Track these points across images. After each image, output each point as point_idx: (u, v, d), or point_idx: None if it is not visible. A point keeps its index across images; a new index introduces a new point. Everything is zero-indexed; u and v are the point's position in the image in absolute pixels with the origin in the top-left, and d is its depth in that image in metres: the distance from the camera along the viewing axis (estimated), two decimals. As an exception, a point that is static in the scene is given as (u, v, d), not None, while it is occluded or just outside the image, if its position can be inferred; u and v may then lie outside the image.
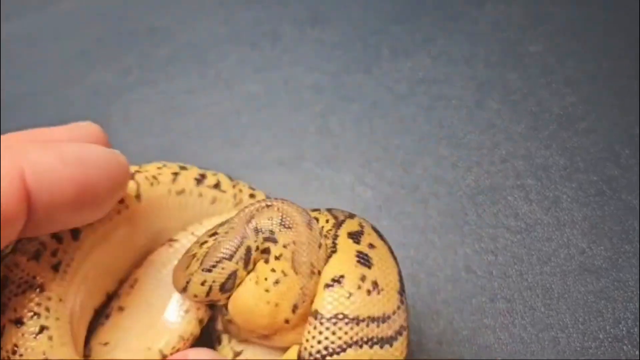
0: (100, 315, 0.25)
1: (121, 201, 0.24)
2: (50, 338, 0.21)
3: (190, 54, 0.39)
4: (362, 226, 0.23)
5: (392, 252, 0.23)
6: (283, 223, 0.22)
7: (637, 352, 0.29)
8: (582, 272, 0.31)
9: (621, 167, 0.33)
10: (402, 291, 0.22)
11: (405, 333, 0.21)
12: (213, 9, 0.41)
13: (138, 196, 0.24)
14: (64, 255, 0.22)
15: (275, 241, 0.22)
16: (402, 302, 0.21)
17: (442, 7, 0.40)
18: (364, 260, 0.21)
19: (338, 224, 0.23)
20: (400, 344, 0.20)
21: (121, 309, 0.25)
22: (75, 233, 0.23)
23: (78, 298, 0.23)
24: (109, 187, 0.21)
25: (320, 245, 0.22)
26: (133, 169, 0.25)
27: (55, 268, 0.22)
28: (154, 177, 0.25)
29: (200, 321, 0.24)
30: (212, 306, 0.25)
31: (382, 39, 0.39)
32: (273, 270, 0.22)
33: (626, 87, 0.36)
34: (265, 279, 0.22)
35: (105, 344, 0.24)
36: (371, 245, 0.22)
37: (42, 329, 0.21)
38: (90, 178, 0.20)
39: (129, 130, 0.37)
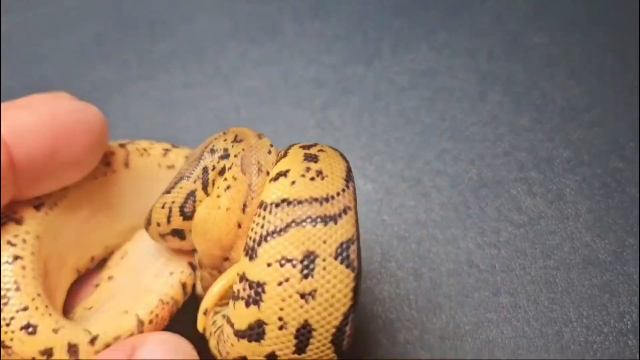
0: (89, 286, 0.25)
1: (108, 164, 0.24)
2: (23, 268, 0.21)
3: (189, 49, 0.39)
4: (316, 143, 0.23)
5: (344, 158, 0.23)
6: (235, 139, 0.23)
7: (643, 347, 0.28)
8: (586, 266, 0.30)
9: (625, 160, 0.33)
10: (348, 179, 0.21)
11: (350, 212, 0.20)
12: (212, 3, 0.41)
13: (126, 164, 0.25)
14: (47, 198, 0.22)
15: (228, 156, 0.23)
16: (347, 187, 0.21)
17: (443, 1, 0.40)
18: (310, 158, 0.22)
19: (294, 144, 0.23)
20: (345, 222, 0.20)
21: (110, 278, 0.25)
22: None
23: (57, 245, 0.23)
24: (86, 134, 0.21)
25: (269, 152, 0.23)
26: (124, 141, 0.25)
27: (37, 207, 0.22)
28: (145, 150, 0.25)
29: (184, 285, 0.24)
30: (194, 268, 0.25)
31: (383, 32, 0.39)
32: (225, 179, 0.22)
33: (631, 79, 0.36)
34: (218, 188, 0.22)
35: (90, 308, 0.24)
36: (321, 150, 0.23)
37: (16, 258, 0.21)
38: (65, 125, 0.21)
39: (128, 125, 0.37)
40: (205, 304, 0.22)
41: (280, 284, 0.19)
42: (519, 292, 0.30)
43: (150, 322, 0.23)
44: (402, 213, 0.32)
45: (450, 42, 0.38)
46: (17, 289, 0.21)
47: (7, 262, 0.21)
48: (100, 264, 0.26)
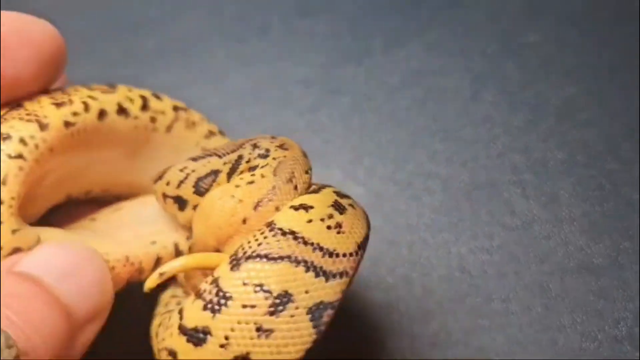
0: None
1: (153, 120, 0.24)
2: (20, 168, 0.20)
3: (175, 48, 0.38)
4: (350, 196, 0.23)
5: (368, 223, 0.22)
6: (281, 146, 0.23)
7: (638, 354, 0.28)
8: (580, 271, 0.30)
9: (622, 162, 0.32)
10: (361, 247, 0.21)
11: (345, 279, 0.20)
12: (199, 1, 0.40)
13: (170, 128, 0.24)
14: (83, 123, 0.22)
15: (267, 157, 0.22)
16: (356, 253, 0.20)
17: (436, -4, 0.39)
18: (338, 207, 0.21)
19: (330, 186, 0.23)
20: (336, 285, 0.19)
21: (93, 219, 0.24)
22: (102, 114, 0.23)
23: (65, 165, 0.23)
24: (25, 46, 0.20)
25: (307, 172, 0.22)
26: (181, 105, 0.25)
27: (67, 125, 0.22)
28: (193, 123, 0.25)
29: (158, 260, 0.24)
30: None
31: (374, 30, 0.38)
32: (253, 174, 0.22)
33: (628, 78, 0.35)
34: (241, 179, 0.22)
35: (59, 230, 0.23)
36: (351, 205, 0.22)
37: (20, 156, 0.20)
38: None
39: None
40: (166, 268, 0.22)
41: (244, 306, 0.19)
42: (511, 298, 0.29)
43: None
44: (392, 217, 0.32)
45: (442, 40, 0.37)
46: (4, 183, 0.20)
47: (9, 154, 0.20)
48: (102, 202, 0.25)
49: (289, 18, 0.39)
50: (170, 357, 0.20)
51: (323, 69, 0.37)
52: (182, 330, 0.20)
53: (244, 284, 0.19)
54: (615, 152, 0.33)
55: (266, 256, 0.19)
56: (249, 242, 0.20)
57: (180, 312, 0.20)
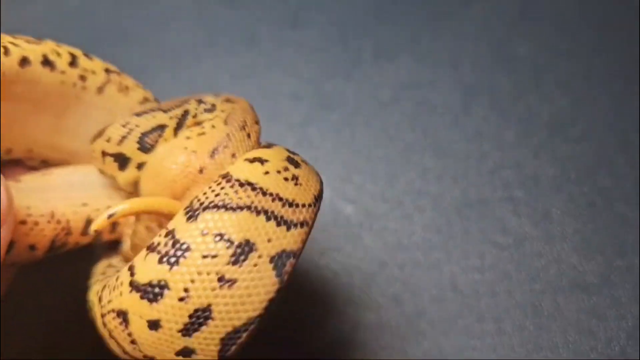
0: None
1: (83, 78, 0.23)
2: None
3: (163, 60, 0.38)
4: (299, 154, 0.22)
5: (320, 180, 0.22)
6: (228, 99, 0.22)
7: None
8: (573, 289, 0.29)
9: (614, 177, 0.32)
10: (318, 199, 0.21)
11: (305, 229, 0.19)
12: (187, 12, 0.39)
13: (101, 90, 0.24)
14: (2, 67, 0.21)
15: (213, 111, 0.22)
16: (314, 205, 0.20)
17: (427, 6, 0.38)
18: (292, 161, 0.21)
19: (277, 144, 0.22)
20: (297, 234, 0.19)
21: (18, 180, 0.23)
22: (24, 61, 0.22)
23: (16, 119, 0.22)
24: None
25: (257, 122, 0.22)
26: (114, 68, 0.25)
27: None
28: (127, 87, 0.25)
29: (89, 222, 0.23)
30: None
31: (364, 42, 0.37)
32: (202, 127, 0.21)
33: (621, 89, 0.35)
34: (191, 131, 0.21)
35: None
36: (304, 162, 0.22)
37: None
38: None
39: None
40: (115, 209, 0.20)
41: (205, 257, 0.18)
42: (503, 318, 0.29)
43: (24, 222, 0.21)
44: (383, 236, 0.31)
45: (433, 51, 0.37)
46: None
47: None
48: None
49: (279, 29, 0.38)
50: (118, 319, 0.19)
51: (313, 82, 0.36)
52: (134, 286, 0.18)
53: (203, 234, 0.18)
54: (608, 167, 0.32)
55: (225, 206, 0.19)
56: (204, 193, 0.19)
57: (131, 268, 0.19)
